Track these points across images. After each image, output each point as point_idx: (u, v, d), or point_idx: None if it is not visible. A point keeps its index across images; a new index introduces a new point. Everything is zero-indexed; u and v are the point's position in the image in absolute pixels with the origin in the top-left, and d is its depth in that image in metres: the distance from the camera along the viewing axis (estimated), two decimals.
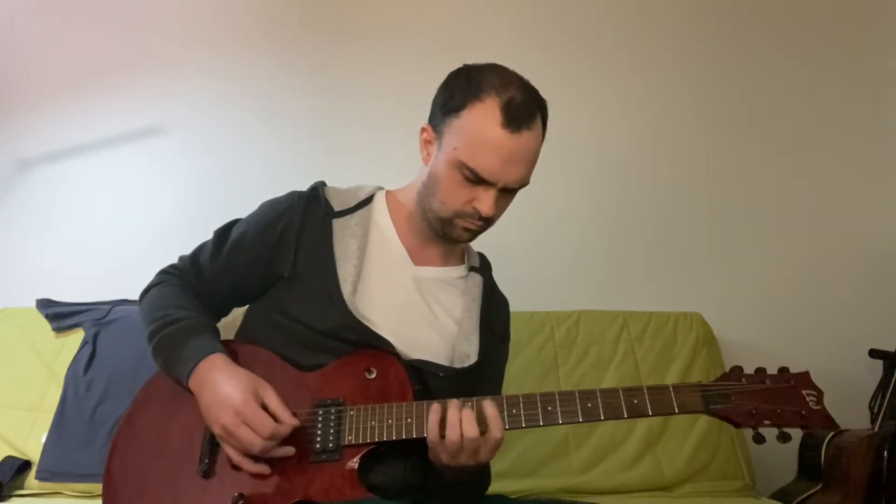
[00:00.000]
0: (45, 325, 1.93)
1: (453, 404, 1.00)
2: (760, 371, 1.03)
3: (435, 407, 1.01)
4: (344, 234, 1.17)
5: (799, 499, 1.85)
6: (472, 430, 0.98)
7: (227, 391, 1.01)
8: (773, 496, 1.90)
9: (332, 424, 1.04)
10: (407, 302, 1.18)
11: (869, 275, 2.28)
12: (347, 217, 1.19)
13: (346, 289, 1.11)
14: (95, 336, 1.88)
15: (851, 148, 2.34)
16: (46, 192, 2.20)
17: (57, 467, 1.71)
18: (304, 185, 1.26)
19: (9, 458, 1.72)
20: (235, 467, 1.02)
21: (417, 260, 1.21)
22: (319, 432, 1.04)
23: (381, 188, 1.29)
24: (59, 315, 1.94)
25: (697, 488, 1.83)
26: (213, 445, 1.05)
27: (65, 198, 2.20)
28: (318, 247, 1.15)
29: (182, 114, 2.24)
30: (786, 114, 2.34)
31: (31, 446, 1.75)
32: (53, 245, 2.17)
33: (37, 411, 1.81)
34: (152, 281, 1.22)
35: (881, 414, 1.93)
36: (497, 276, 1.38)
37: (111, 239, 2.16)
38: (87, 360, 1.84)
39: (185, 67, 2.26)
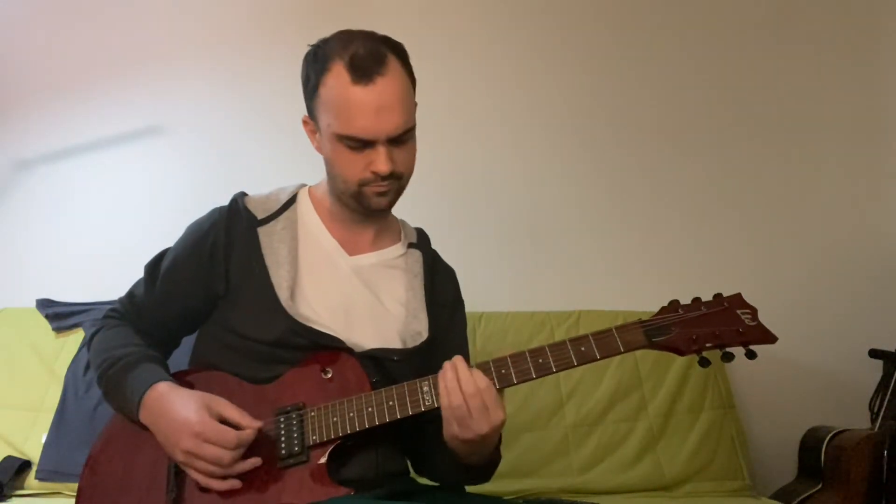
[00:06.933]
0: (45, 325, 1.93)
1: (442, 372, 1.00)
2: (696, 300, 1.06)
3: (431, 382, 1.02)
4: (272, 240, 1.15)
5: (799, 499, 1.85)
6: (470, 385, 0.98)
7: (181, 415, 1.00)
8: (773, 496, 1.90)
9: (294, 428, 1.04)
10: (350, 294, 1.17)
11: (869, 275, 2.27)
12: (272, 223, 1.18)
13: (283, 295, 1.10)
14: None
15: (852, 148, 2.34)
16: (46, 192, 2.20)
17: (57, 467, 1.71)
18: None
19: (9, 458, 1.72)
20: (204, 490, 1.01)
21: (351, 249, 1.20)
22: (283, 438, 1.03)
23: (304, 185, 1.28)
24: (59, 315, 1.94)
25: (697, 488, 1.83)
26: (177, 474, 1.04)
27: (65, 198, 2.20)
28: (247, 259, 1.14)
29: (181, 114, 2.23)
30: (786, 115, 2.34)
31: (31, 446, 1.75)
32: (53, 245, 2.17)
33: (37, 411, 1.81)
34: (95, 328, 1.21)
35: (881, 414, 1.93)
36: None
37: (111, 239, 2.16)
38: (87, 361, 1.84)
39: (184, 68, 2.25)
